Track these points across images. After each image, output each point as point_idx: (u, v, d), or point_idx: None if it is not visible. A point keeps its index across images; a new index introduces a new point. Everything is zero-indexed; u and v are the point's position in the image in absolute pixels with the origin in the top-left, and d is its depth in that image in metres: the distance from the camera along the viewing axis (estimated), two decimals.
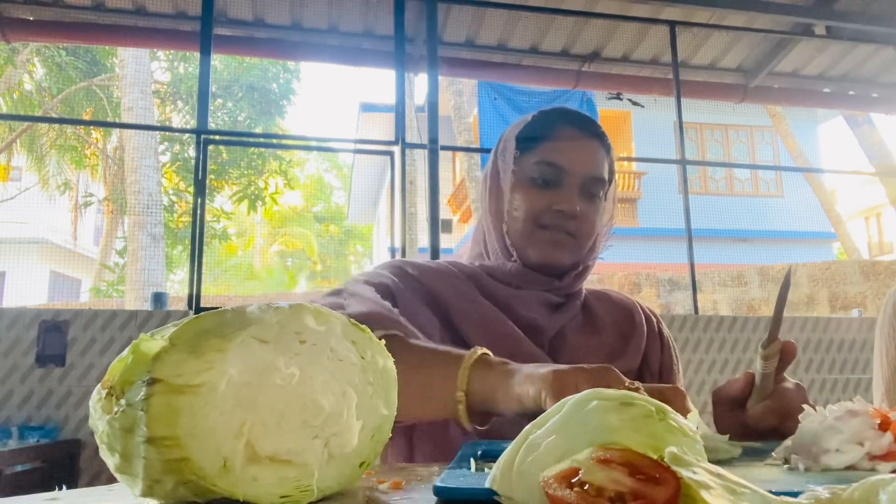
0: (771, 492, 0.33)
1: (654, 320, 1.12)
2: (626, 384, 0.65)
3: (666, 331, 1.12)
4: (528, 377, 0.70)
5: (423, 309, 0.96)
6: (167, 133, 10.65)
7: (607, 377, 0.66)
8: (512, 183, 1.02)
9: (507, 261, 1.02)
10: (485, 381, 0.74)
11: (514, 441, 0.40)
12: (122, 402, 0.39)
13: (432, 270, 1.02)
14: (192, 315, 0.62)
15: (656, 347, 1.08)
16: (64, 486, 0.49)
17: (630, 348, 1.04)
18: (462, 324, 0.97)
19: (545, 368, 0.70)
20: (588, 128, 1.03)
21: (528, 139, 1.03)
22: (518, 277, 1.02)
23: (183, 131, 10.92)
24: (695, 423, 0.61)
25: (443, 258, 3.40)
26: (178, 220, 10.53)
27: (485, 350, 0.78)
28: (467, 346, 0.94)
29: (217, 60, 11.00)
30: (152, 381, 0.38)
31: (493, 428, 0.77)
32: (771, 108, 9.69)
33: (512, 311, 0.99)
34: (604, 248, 1.07)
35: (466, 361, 0.75)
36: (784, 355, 0.81)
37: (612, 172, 1.05)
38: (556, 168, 1.00)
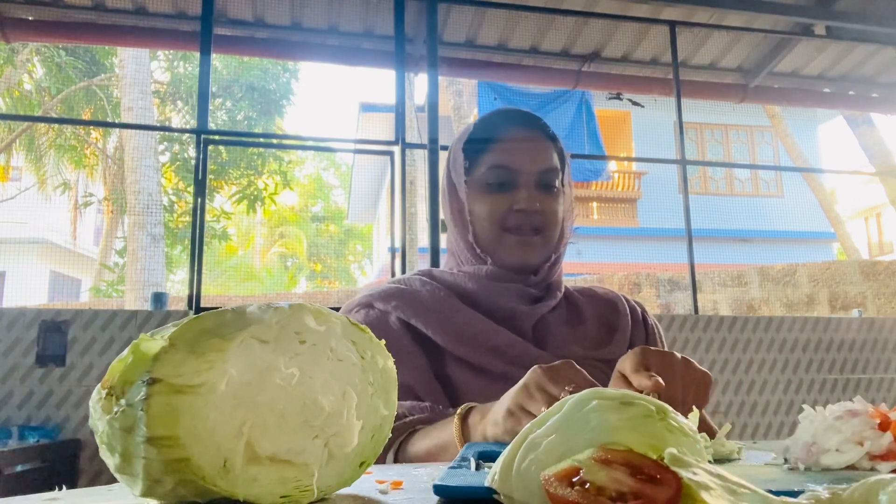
0: (771, 492, 0.33)
1: (640, 310, 1.14)
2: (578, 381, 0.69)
3: (651, 319, 1.15)
4: (493, 418, 0.74)
5: (403, 343, 0.99)
6: (167, 133, 10.64)
7: (564, 373, 0.70)
8: (468, 192, 1.04)
9: (482, 265, 1.05)
10: (475, 433, 0.77)
11: (514, 440, 0.40)
12: (122, 402, 0.39)
13: (400, 295, 1.03)
14: (192, 315, 0.62)
15: (641, 336, 1.11)
16: (64, 486, 0.49)
17: (616, 338, 1.06)
18: (439, 338, 0.99)
19: (503, 402, 0.74)
20: (529, 123, 1.07)
21: (475, 145, 1.06)
22: (494, 277, 1.04)
23: (183, 131, 10.90)
24: (695, 423, 0.61)
25: (442, 259, 3.40)
26: (178, 220, 10.51)
27: (468, 406, 0.82)
28: (449, 355, 0.98)
29: (217, 60, 10.99)
30: (152, 381, 0.38)
31: None
32: (771, 108, 9.67)
33: (491, 304, 1.02)
34: (571, 232, 1.10)
35: (457, 425, 0.79)
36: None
37: (562, 158, 1.07)
38: (508, 170, 1.02)
